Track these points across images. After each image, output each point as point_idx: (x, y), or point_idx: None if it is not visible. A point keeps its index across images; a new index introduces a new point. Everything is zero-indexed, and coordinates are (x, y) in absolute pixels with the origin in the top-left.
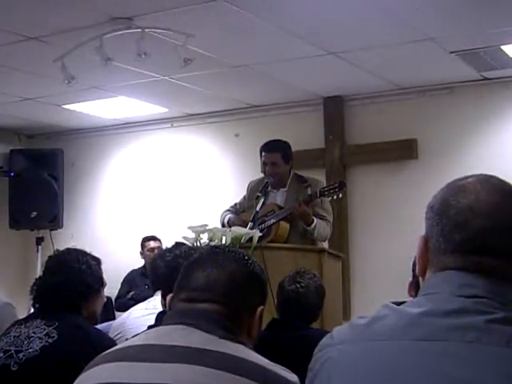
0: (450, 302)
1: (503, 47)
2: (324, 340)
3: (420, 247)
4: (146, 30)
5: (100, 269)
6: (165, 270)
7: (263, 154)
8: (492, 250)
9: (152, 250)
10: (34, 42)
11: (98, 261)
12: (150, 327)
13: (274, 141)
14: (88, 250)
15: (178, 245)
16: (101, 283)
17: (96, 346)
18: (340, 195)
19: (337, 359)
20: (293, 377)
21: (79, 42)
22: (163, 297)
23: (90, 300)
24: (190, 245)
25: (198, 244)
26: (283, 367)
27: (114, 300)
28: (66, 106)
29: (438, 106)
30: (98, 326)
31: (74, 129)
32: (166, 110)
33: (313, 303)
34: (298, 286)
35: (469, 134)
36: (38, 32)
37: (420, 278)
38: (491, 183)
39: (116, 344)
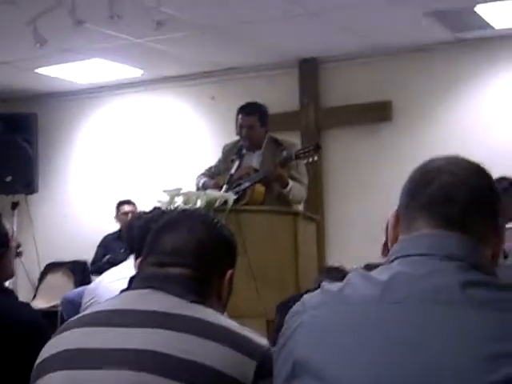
0: (420, 264)
1: (477, 8)
2: (295, 307)
3: (391, 221)
4: None
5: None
6: (138, 233)
7: (240, 116)
8: (457, 201)
9: (126, 213)
10: (4, 4)
11: None
12: (122, 291)
13: (251, 103)
14: (63, 214)
15: (153, 210)
16: (6, 238)
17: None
18: (315, 158)
19: (309, 323)
20: (262, 340)
21: (51, 4)
22: (136, 260)
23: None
24: (164, 209)
25: (172, 207)
26: (253, 331)
27: (89, 264)
28: (38, 70)
29: (412, 68)
30: (73, 291)
31: (48, 93)
32: (140, 72)
33: None
34: None
35: (443, 95)
36: None
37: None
38: (458, 157)
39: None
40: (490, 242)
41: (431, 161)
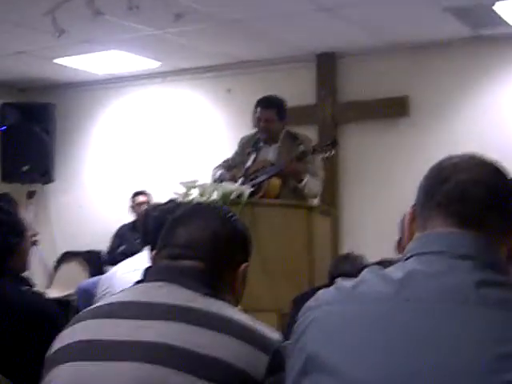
0: (435, 262)
1: (496, 6)
2: (308, 302)
3: (407, 218)
4: None
5: (16, 209)
6: (152, 225)
7: (258, 109)
8: (473, 200)
9: (141, 204)
10: None
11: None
12: (137, 283)
13: (270, 97)
14: (79, 204)
15: (169, 201)
16: (22, 227)
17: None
18: (332, 153)
19: (323, 319)
20: (275, 335)
21: None
22: (151, 252)
23: (16, 252)
24: (179, 201)
25: (188, 199)
26: (266, 325)
27: (104, 254)
28: (57, 60)
29: (430, 64)
30: (87, 281)
31: (66, 83)
32: (158, 63)
33: None
34: None
35: (461, 92)
36: None
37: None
38: (473, 156)
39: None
40: (506, 242)
41: (447, 158)
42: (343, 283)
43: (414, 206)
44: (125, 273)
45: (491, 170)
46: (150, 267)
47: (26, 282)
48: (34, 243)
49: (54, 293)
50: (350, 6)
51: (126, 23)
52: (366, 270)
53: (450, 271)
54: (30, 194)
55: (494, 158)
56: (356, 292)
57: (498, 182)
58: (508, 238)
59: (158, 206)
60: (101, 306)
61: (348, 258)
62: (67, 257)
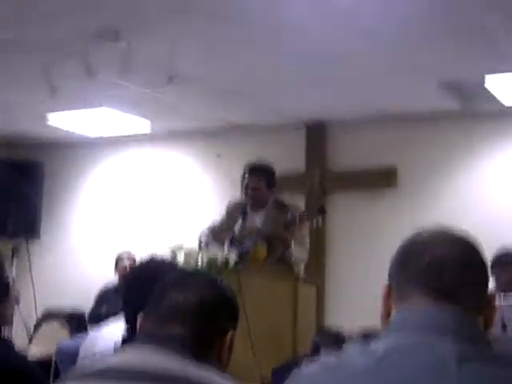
0: (415, 336)
1: (486, 82)
2: (291, 378)
3: (383, 294)
4: (133, 44)
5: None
6: (132, 284)
7: (247, 176)
8: (449, 274)
9: (125, 265)
10: (19, 51)
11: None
12: (121, 346)
13: (259, 164)
14: (64, 262)
15: (150, 260)
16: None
17: None
18: (319, 221)
19: None
20: None
21: (65, 53)
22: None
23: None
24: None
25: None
26: None
27: (87, 315)
28: (48, 117)
29: (419, 136)
30: (68, 341)
31: (56, 141)
32: (148, 123)
33: None
34: None
35: (448, 165)
36: (24, 41)
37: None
38: (448, 229)
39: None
40: (483, 312)
41: (421, 233)
42: (325, 359)
43: (389, 280)
44: (108, 334)
45: (465, 244)
46: (136, 331)
47: (7, 341)
48: (16, 301)
49: (33, 352)
50: (341, 76)
51: (118, 81)
52: (348, 344)
53: (431, 346)
54: (14, 251)
55: (479, 233)
56: (338, 367)
57: (473, 257)
58: (483, 310)
59: (140, 265)
60: (85, 368)
61: (330, 330)
62: (49, 316)
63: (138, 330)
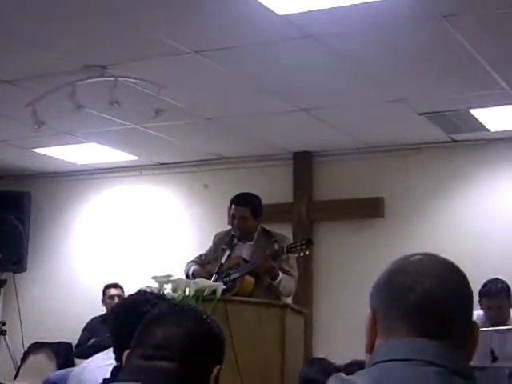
0: (400, 369)
1: (471, 111)
2: None
3: (368, 321)
4: (119, 78)
5: None
6: (119, 318)
7: (233, 206)
8: (438, 310)
9: (112, 297)
10: (6, 85)
11: None
12: (105, 381)
13: (245, 194)
14: (51, 294)
15: (138, 293)
16: None
17: None
18: (307, 252)
19: None
20: None
21: (52, 87)
22: (116, 348)
23: None
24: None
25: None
26: None
27: (74, 347)
28: (35, 150)
29: (406, 166)
30: (55, 373)
31: (43, 172)
32: (135, 157)
33: None
34: None
35: (435, 195)
36: (11, 75)
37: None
38: (433, 255)
39: None
40: (466, 346)
41: (408, 261)
42: None
43: (373, 310)
44: (95, 368)
45: (453, 276)
46: (121, 366)
47: None
48: (2, 333)
49: None
50: (327, 108)
51: (105, 116)
52: (332, 377)
53: (416, 379)
54: (1, 283)
55: (467, 263)
56: None
57: (458, 288)
58: (468, 341)
59: (127, 298)
60: None
61: (318, 362)
62: (35, 348)
63: (123, 365)
